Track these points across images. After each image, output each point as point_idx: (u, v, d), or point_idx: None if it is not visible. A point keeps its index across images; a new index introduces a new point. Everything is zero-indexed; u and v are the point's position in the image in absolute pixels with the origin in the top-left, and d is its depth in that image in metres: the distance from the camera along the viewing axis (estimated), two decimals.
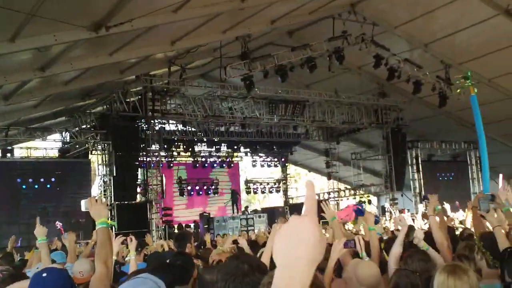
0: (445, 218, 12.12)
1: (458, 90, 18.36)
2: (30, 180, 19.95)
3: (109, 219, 4.07)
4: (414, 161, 27.81)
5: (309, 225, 1.32)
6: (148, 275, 2.47)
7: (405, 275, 4.02)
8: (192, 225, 26.23)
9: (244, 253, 5.36)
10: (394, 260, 4.86)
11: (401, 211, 22.61)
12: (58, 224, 16.41)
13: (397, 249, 4.95)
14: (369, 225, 5.92)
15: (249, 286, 2.49)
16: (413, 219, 16.03)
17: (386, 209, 24.67)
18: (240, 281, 2.49)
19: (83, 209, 3.95)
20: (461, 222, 11.59)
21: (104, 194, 19.98)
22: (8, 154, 20.30)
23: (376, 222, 8.32)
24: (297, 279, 1.28)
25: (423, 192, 26.80)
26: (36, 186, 19.99)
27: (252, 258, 2.90)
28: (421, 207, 22.69)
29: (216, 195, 29.40)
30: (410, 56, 21.24)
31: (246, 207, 29.55)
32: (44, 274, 3.13)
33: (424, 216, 14.25)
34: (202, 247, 10.81)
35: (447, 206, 13.04)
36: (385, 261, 5.49)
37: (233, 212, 27.60)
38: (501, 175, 8.62)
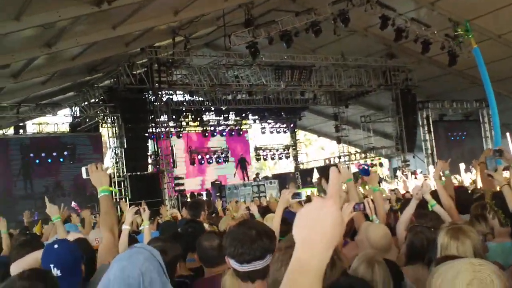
0: (456, 181, 12.22)
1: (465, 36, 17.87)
2: (43, 154, 20.27)
3: (110, 186, 3.95)
4: (425, 121, 27.64)
5: (331, 208, 1.41)
6: (143, 244, 2.54)
7: (420, 231, 4.02)
8: (204, 193, 26.48)
9: (252, 219, 5.44)
10: (404, 224, 4.88)
11: (413, 173, 22.63)
12: (74, 205, 16.83)
13: (409, 212, 4.95)
14: (373, 186, 5.78)
15: (257, 251, 2.54)
16: (425, 180, 16.10)
17: (397, 176, 24.64)
18: (248, 247, 2.55)
19: (84, 176, 3.84)
20: (473, 182, 11.60)
21: (116, 166, 20.22)
22: (21, 131, 20.55)
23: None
24: (316, 257, 1.38)
25: (435, 153, 26.77)
26: (49, 161, 20.33)
27: (259, 224, 2.95)
28: (432, 169, 22.68)
29: (226, 163, 29.57)
30: (416, 15, 20.92)
31: (257, 174, 29.70)
32: (56, 246, 3.20)
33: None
34: (214, 214, 10.96)
35: (461, 166, 13.07)
36: (394, 223, 5.52)
37: (244, 180, 27.81)
38: (508, 134, 8.58)
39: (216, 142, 29.41)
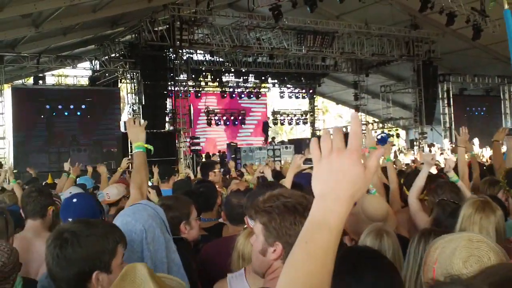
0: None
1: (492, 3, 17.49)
2: (60, 107, 20.11)
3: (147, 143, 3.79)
4: (445, 95, 27.43)
5: (352, 161, 1.33)
6: (148, 202, 2.57)
7: (447, 204, 3.98)
8: (217, 154, 26.60)
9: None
10: (416, 193, 4.81)
11: (430, 146, 22.50)
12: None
13: (420, 180, 4.88)
14: (386, 156, 5.67)
15: None
16: (441, 153, 15.99)
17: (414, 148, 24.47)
18: None
19: (122, 130, 3.77)
20: (490, 158, 11.55)
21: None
22: (40, 81, 20.56)
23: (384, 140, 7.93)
24: (334, 211, 1.32)
25: (453, 127, 26.57)
26: (66, 113, 20.19)
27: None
28: (446, 142, 22.48)
29: (243, 125, 29.62)
30: None
31: (273, 138, 29.72)
32: (75, 200, 3.26)
33: (454, 150, 14.14)
34: (228, 176, 11.00)
35: (475, 141, 12.91)
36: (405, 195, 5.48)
37: (264, 143, 27.88)
38: None
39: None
